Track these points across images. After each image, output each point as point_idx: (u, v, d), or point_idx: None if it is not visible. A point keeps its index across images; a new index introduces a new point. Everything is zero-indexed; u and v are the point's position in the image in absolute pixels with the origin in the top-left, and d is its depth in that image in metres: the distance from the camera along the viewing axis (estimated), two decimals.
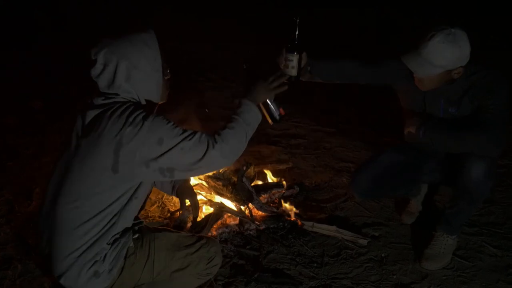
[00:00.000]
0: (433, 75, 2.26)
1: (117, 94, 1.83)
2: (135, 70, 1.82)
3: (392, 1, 8.60)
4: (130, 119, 1.74)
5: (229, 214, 2.82)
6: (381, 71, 2.51)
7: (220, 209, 2.79)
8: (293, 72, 2.19)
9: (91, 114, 1.81)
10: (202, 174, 1.84)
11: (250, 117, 1.92)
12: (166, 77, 1.96)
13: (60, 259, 1.83)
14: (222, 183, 2.83)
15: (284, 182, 3.18)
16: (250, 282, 2.42)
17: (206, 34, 7.45)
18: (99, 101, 1.83)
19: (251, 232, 2.77)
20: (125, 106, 1.79)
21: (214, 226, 2.72)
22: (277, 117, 2.09)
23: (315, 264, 2.58)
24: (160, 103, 2.00)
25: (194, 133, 1.80)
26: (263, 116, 2.03)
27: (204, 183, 2.91)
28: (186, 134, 1.78)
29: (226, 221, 2.79)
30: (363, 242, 2.73)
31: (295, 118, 4.63)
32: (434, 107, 2.46)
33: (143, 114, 1.77)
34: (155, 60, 1.87)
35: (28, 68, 5.73)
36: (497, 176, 2.46)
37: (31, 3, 8.26)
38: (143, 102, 1.89)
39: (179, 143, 1.75)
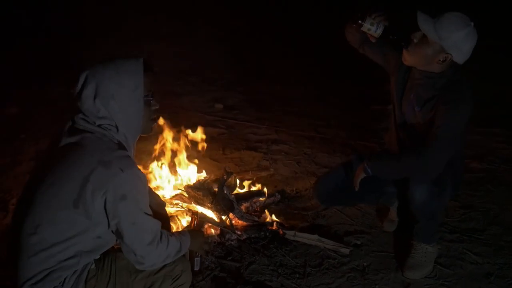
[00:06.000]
0: (425, 44, 2.24)
1: (98, 118, 1.77)
2: (112, 100, 1.75)
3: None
4: (105, 159, 1.71)
5: (209, 224, 2.77)
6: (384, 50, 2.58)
7: (201, 220, 2.75)
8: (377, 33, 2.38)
9: (68, 139, 1.77)
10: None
11: (184, 247, 1.99)
12: (153, 108, 1.89)
13: (18, 286, 1.73)
14: (202, 193, 2.79)
15: (265, 190, 3.15)
16: None
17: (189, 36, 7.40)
18: (80, 123, 1.78)
19: (232, 243, 2.74)
20: (103, 141, 1.76)
21: None
22: (195, 269, 2.35)
23: (297, 275, 2.55)
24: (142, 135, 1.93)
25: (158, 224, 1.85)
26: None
27: (184, 193, 2.87)
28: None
29: (206, 232, 2.75)
30: (345, 251, 2.72)
31: (276, 123, 4.61)
32: (408, 97, 2.49)
33: (125, 160, 1.75)
34: (136, 89, 1.79)
35: (6, 71, 5.57)
36: (454, 187, 2.49)
37: (15, 2, 8.04)
38: (122, 132, 1.81)
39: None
